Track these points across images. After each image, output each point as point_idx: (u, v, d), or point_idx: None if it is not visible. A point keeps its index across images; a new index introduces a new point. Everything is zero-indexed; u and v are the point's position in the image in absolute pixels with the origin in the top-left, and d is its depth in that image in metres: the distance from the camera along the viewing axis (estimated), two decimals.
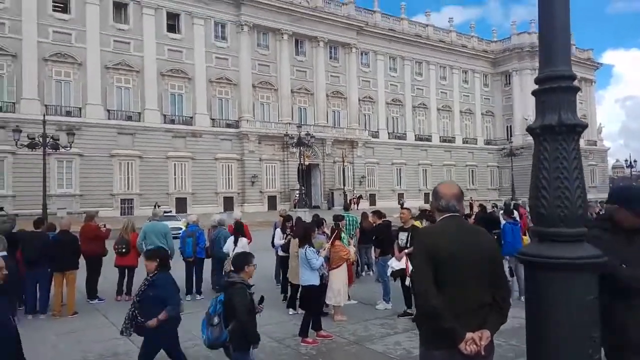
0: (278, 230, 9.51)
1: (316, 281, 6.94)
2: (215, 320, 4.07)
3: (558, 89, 2.47)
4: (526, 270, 2.70)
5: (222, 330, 4.06)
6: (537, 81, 2.59)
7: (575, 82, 2.56)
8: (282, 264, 9.24)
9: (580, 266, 2.48)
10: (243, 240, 8.93)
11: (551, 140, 2.48)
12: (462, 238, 2.57)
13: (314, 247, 7.16)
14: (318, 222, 9.04)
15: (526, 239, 13.64)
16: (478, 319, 2.50)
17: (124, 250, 9.50)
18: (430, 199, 2.75)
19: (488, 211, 14.57)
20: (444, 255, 2.49)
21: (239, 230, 9.15)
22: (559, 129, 2.44)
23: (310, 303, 6.78)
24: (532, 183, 2.57)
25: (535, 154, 2.57)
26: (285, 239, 9.10)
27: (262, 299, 4.40)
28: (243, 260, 4.40)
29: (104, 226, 10.11)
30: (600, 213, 7.79)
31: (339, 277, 7.66)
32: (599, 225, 2.95)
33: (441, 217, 2.68)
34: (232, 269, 4.51)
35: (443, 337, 2.45)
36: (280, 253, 9.19)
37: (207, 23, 40.84)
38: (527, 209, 15.39)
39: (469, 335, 2.42)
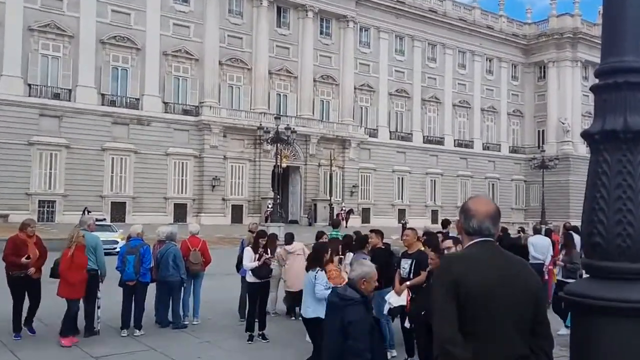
0: (247, 249, 9.37)
1: (322, 313, 6.90)
2: None
3: (624, 85, 2.47)
4: (573, 313, 2.71)
5: None
6: (597, 74, 2.59)
7: None
8: (252, 292, 9.08)
9: None
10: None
11: (613, 150, 2.47)
12: (498, 270, 2.52)
13: (325, 272, 7.19)
14: (361, 238, 9.22)
15: (556, 271, 13.82)
16: None
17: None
18: (458, 217, 2.72)
19: (513, 236, 14.68)
20: (473, 291, 2.43)
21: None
22: (624, 135, 2.43)
23: (317, 340, 6.67)
24: (587, 204, 2.56)
25: (592, 166, 2.57)
26: (259, 260, 8.97)
27: None
28: None
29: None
30: None
31: None
32: None
33: (471, 242, 2.63)
34: None
35: None
36: (250, 279, 9.05)
37: None
38: (561, 235, 15.59)
39: None
